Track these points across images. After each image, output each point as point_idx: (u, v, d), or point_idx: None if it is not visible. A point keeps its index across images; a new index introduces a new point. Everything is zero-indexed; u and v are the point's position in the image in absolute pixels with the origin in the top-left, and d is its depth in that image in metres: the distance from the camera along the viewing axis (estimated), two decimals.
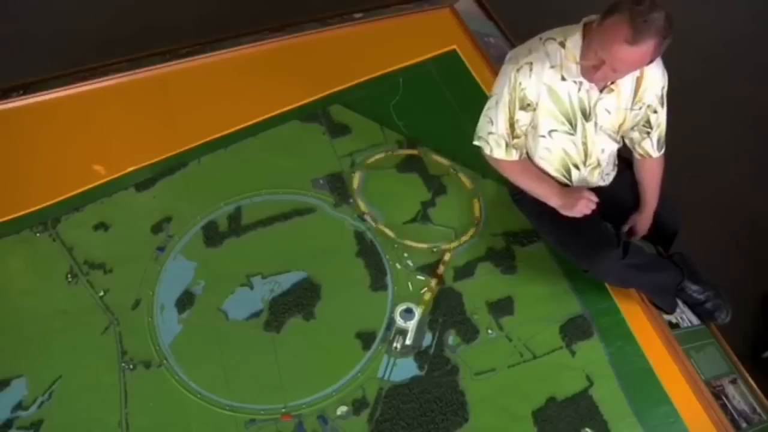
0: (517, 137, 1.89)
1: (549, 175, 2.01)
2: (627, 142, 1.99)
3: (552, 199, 1.95)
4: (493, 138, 1.89)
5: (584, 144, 1.90)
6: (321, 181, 2.34)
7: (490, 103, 1.88)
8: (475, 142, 1.95)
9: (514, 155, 1.92)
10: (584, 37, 1.70)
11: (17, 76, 2.71)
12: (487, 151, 1.93)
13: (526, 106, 1.82)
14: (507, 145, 1.89)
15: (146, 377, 1.97)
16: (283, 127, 2.49)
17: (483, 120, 1.91)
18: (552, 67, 1.76)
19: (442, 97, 2.55)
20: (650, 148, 1.95)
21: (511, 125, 1.85)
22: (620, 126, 1.90)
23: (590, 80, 1.74)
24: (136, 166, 2.39)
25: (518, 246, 2.19)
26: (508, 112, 1.83)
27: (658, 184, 2.05)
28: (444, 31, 2.76)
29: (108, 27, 3.42)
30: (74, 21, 3.49)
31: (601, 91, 1.79)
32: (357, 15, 2.86)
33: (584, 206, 1.90)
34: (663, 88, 1.84)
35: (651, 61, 1.67)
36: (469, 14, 2.85)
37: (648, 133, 1.92)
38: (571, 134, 1.87)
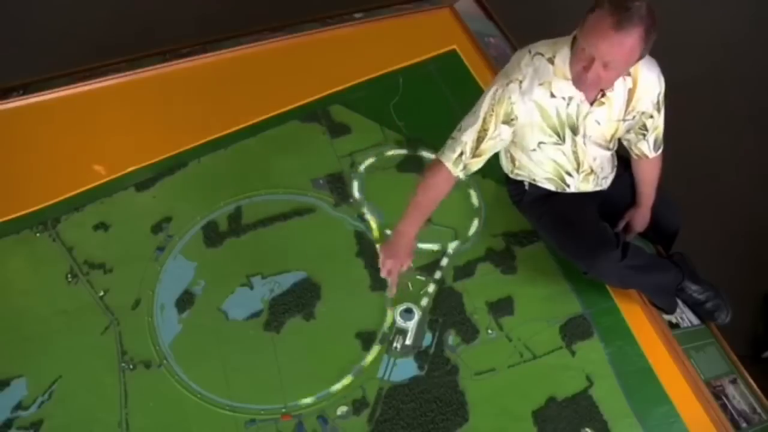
0: (478, 155, 1.80)
1: (545, 181, 2.00)
2: (624, 142, 1.98)
3: (396, 239, 1.91)
4: (451, 143, 1.81)
5: (574, 153, 1.89)
6: (321, 181, 2.34)
7: (470, 113, 1.82)
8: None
9: (459, 170, 1.81)
10: (572, 49, 1.67)
11: (17, 76, 2.71)
12: (438, 152, 1.84)
13: (510, 120, 1.77)
14: (461, 155, 1.79)
15: (146, 377, 1.97)
16: (283, 127, 2.49)
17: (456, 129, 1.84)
18: (541, 84, 1.73)
19: (442, 97, 2.55)
20: (647, 149, 1.95)
21: (480, 138, 1.78)
22: (612, 135, 1.88)
23: (583, 84, 1.68)
24: (136, 166, 2.39)
25: (518, 246, 2.19)
26: (482, 123, 1.77)
27: (655, 183, 2.05)
28: (444, 31, 2.76)
29: (108, 27, 3.42)
30: (74, 21, 3.49)
31: (591, 104, 1.77)
32: (357, 15, 2.86)
33: (388, 270, 1.91)
34: (659, 93, 1.81)
35: (640, 57, 1.62)
36: (469, 14, 2.84)
37: (644, 135, 1.91)
38: (560, 144, 1.86)
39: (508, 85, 1.75)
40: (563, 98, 1.75)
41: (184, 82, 2.61)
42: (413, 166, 2.38)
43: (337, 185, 2.33)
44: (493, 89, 1.77)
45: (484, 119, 1.77)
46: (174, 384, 1.96)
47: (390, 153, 2.40)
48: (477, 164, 1.84)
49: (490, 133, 1.78)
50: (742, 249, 2.84)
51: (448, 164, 1.82)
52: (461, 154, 1.80)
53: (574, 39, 1.66)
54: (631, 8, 1.52)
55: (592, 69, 1.62)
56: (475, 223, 2.25)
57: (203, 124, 2.47)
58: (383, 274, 1.95)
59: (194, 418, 1.90)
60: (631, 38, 1.55)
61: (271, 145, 2.44)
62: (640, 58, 1.63)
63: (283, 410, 1.91)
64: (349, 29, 2.79)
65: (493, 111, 1.76)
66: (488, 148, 1.81)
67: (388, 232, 2.21)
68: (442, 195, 1.88)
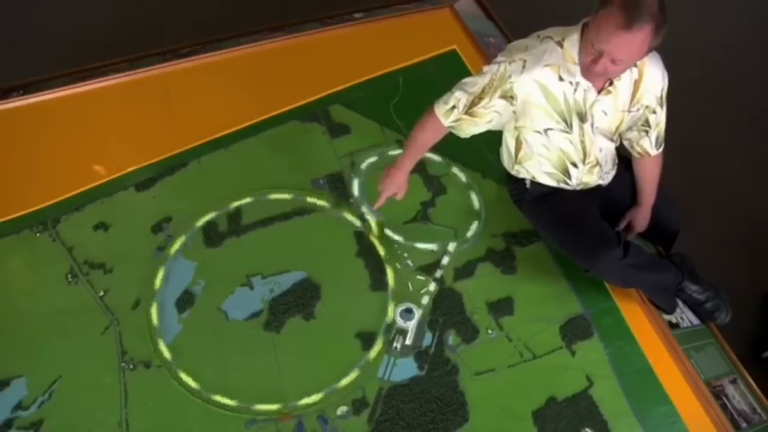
0: (471, 115, 1.84)
1: (547, 176, 2.01)
2: (624, 141, 1.99)
3: (392, 170, 2.03)
4: (448, 95, 1.86)
5: (582, 142, 1.90)
6: (321, 181, 2.34)
7: (473, 76, 1.86)
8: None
9: (449, 120, 1.87)
10: (582, 36, 1.69)
11: (17, 76, 2.71)
12: (436, 101, 1.89)
13: (508, 97, 1.80)
14: (453, 108, 1.85)
15: (146, 377, 1.97)
16: (283, 127, 2.49)
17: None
18: (546, 65, 1.75)
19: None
20: (648, 146, 1.95)
21: (474, 102, 1.82)
22: (617, 127, 1.89)
23: (591, 75, 1.72)
24: (136, 166, 2.38)
25: (518, 246, 2.19)
26: (480, 92, 1.80)
27: (656, 182, 2.06)
28: (444, 31, 2.76)
29: (108, 27, 3.42)
30: (74, 21, 3.49)
31: (599, 92, 1.79)
32: (357, 15, 2.86)
33: (388, 188, 2.04)
34: (663, 89, 1.84)
35: (649, 51, 1.64)
36: (469, 14, 2.84)
37: (646, 132, 1.92)
38: (567, 132, 1.87)
39: (511, 63, 1.77)
40: (570, 83, 1.76)
41: (184, 82, 2.61)
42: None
43: (337, 185, 2.33)
44: (496, 65, 1.79)
45: (483, 89, 1.80)
46: (174, 384, 1.96)
47: (390, 153, 2.40)
48: (469, 124, 1.87)
49: (484, 102, 1.81)
50: (742, 249, 2.84)
51: (439, 114, 1.87)
52: (454, 107, 1.85)
53: (584, 26, 1.69)
54: (641, 6, 1.53)
55: (600, 62, 1.64)
56: (475, 224, 2.25)
57: (203, 124, 2.47)
58: (380, 190, 2.07)
59: (194, 418, 1.90)
60: (641, 35, 1.56)
61: (271, 145, 2.44)
62: (649, 51, 1.65)
63: (283, 410, 1.91)
64: (349, 29, 2.79)
65: (492, 84, 1.79)
66: (481, 114, 1.84)
67: (388, 231, 2.22)
68: (432, 140, 1.97)
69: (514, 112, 1.85)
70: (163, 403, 1.93)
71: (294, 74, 2.63)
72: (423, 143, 1.98)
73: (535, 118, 1.85)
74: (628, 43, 1.58)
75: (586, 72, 1.72)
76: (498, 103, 1.81)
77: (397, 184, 2.05)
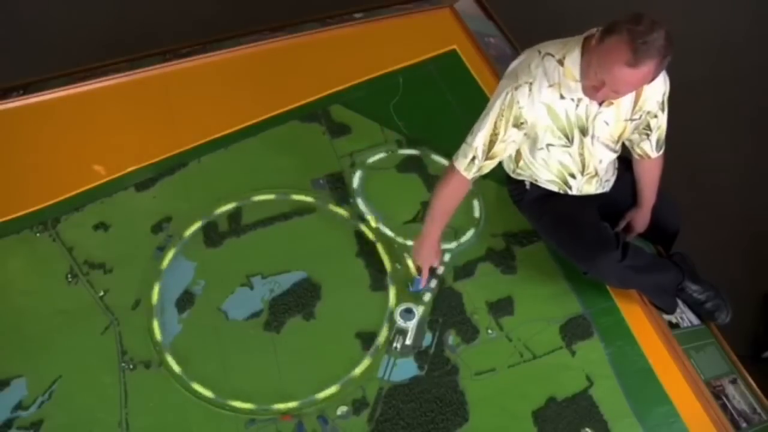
0: (491, 158, 1.82)
1: (548, 183, 2.01)
2: (626, 143, 1.99)
3: (422, 240, 2.00)
4: (464, 147, 1.84)
5: (581, 155, 1.89)
6: (321, 181, 2.34)
7: (481, 116, 1.83)
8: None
9: (473, 173, 1.84)
10: (583, 53, 1.67)
11: (17, 76, 2.71)
12: (453, 156, 1.87)
13: (519, 124, 1.78)
14: (473, 159, 1.82)
15: (146, 377, 1.97)
16: (283, 127, 2.49)
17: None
18: (550, 86, 1.73)
19: (442, 97, 2.55)
20: (649, 149, 1.95)
21: (492, 141, 1.79)
22: (619, 136, 1.88)
23: (592, 99, 1.73)
24: (136, 166, 2.38)
25: (518, 246, 2.19)
26: (493, 127, 1.78)
27: (656, 183, 2.05)
28: (444, 31, 2.76)
29: (108, 27, 3.42)
30: (74, 21, 3.50)
31: (600, 104, 1.77)
32: (357, 15, 2.86)
33: (424, 261, 2.03)
34: (664, 94, 1.83)
35: (653, 80, 1.63)
36: (469, 14, 2.84)
37: (647, 135, 1.92)
38: (567, 146, 1.86)
39: (517, 89, 1.75)
40: (572, 99, 1.75)
41: (184, 82, 2.61)
42: (413, 166, 2.38)
43: (337, 185, 2.33)
44: (503, 93, 1.76)
45: (495, 123, 1.78)
46: (174, 384, 1.96)
47: (390, 153, 2.40)
48: (490, 166, 1.86)
49: (500, 136, 1.79)
50: (742, 249, 2.84)
51: (461, 169, 1.84)
52: (473, 158, 1.82)
53: (585, 40, 1.67)
54: (648, 41, 1.50)
55: (603, 91, 1.64)
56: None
57: (203, 124, 2.47)
58: (416, 272, 2.07)
59: (194, 418, 1.90)
60: (646, 70, 1.55)
61: (271, 145, 2.44)
62: (653, 80, 1.64)
63: (283, 410, 1.91)
64: (349, 29, 2.79)
65: (503, 115, 1.77)
66: (500, 151, 1.83)
67: (387, 231, 2.22)
68: (459, 199, 1.93)
69: (526, 134, 1.84)
70: (163, 403, 1.93)
71: (294, 74, 2.64)
72: (449, 206, 1.93)
73: (539, 137, 1.84)
74: (632, 79, 1.57)
75: (587, 94, 1.72)
76: (512, 133, 1.79)
77: (432, 254, 2.03)
